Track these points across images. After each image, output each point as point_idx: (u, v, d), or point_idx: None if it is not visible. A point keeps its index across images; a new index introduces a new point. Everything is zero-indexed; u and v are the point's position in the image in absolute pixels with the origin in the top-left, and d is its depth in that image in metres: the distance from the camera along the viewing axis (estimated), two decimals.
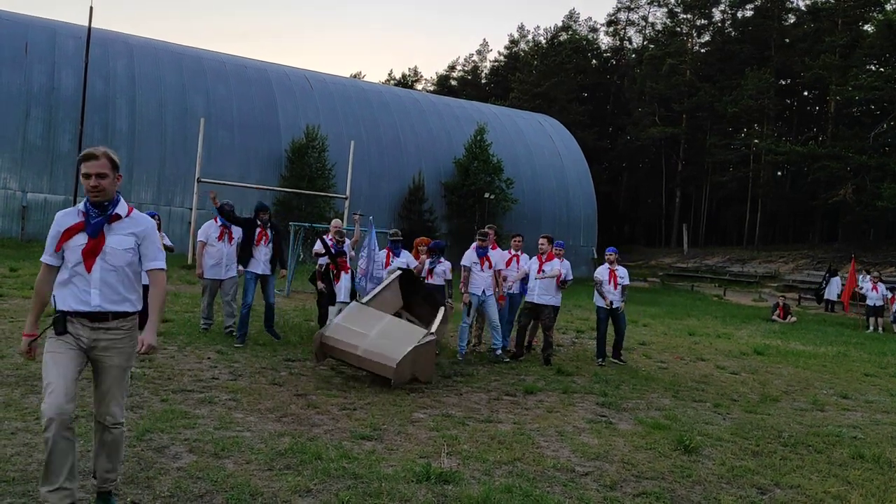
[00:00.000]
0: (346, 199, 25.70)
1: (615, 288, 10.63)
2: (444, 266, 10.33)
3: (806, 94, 55.41)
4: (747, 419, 7.45)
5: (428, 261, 10.37)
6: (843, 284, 25.45)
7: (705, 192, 54.05)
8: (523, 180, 38.24)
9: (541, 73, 56.85)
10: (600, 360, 10.53)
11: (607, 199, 55.09)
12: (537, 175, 39.89)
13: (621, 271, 10.86)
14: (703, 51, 56.71)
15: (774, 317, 21.26)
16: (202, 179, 23.40)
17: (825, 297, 27.12)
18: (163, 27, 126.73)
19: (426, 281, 10.26)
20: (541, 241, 10.47)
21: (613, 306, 10.61)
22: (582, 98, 60.64)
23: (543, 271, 10.18)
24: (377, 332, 7.94)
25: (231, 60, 35.29)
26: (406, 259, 10.39)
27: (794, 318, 21.21)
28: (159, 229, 9.25)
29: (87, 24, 25.55)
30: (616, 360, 10.69)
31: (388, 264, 10.29)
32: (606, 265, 10.87)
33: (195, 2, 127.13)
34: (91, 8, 25.12)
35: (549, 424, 6.59)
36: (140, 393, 6.53)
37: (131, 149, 30.13)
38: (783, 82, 53.81)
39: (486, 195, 34.58)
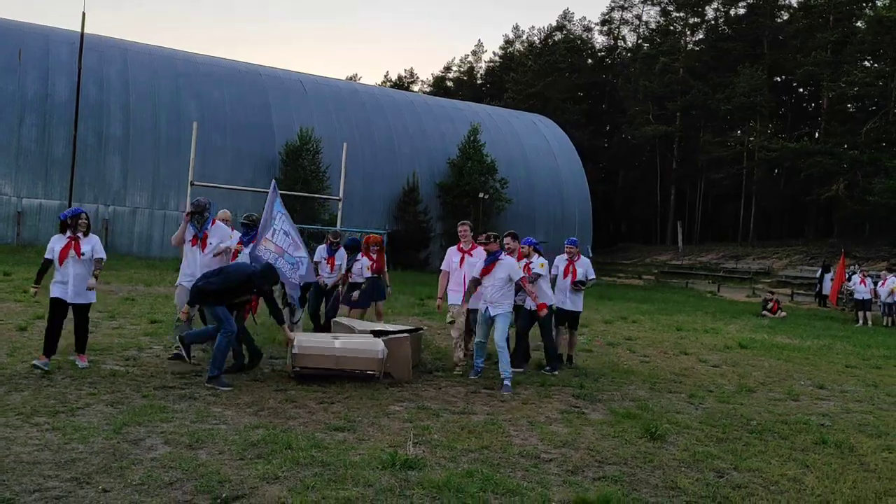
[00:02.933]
0: (339, 200, 25.83)
1: (572, 282, 9.63)
2: (363, 263, 10.26)
3: (801, 90, 55.61)
4: (719, 409, 7.61)
5: (346, 259, 10.28)
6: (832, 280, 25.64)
7: (700, 190, 54.22)
8: (517, 180, 38.41)
9: (535, 72, 57.02)
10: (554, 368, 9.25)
11: (603, 197, 55.26)
12: (531, 174, 40.06)
13: (583, 262, 9.86)
14: (696, 49, 56.88)
15: (765, 312, 21.42)
16: (196, 183, 23.39)
17: (822, 292, 27.36)
18: (156, 32, 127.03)
19: (347, 280, 10.32)
20: (505, 239, 9.30)
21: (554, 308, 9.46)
22: (577, 97, 60.80)
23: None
24: (344, 339, 8.00)
25: (224, 64, 35.47)
26: (361, 265, 10.33)
27: (783, 314, 21.37)
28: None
29: (80, 29, 25.73)
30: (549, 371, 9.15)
31: (332, 268, 10.35)
32: (564, 257, 9.86)
33: (190, 7, 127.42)
34: (84, 14, 25.33)
35: (522, 415, 6.74)
36: (122, 389, 6.69)
37: (125, 153, 30.33)
38: (777, 79, 54.00)
39: (481, 195, 34.76)
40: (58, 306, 7.41)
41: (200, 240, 8.40)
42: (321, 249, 10.59)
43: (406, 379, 7.98)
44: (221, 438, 5.34)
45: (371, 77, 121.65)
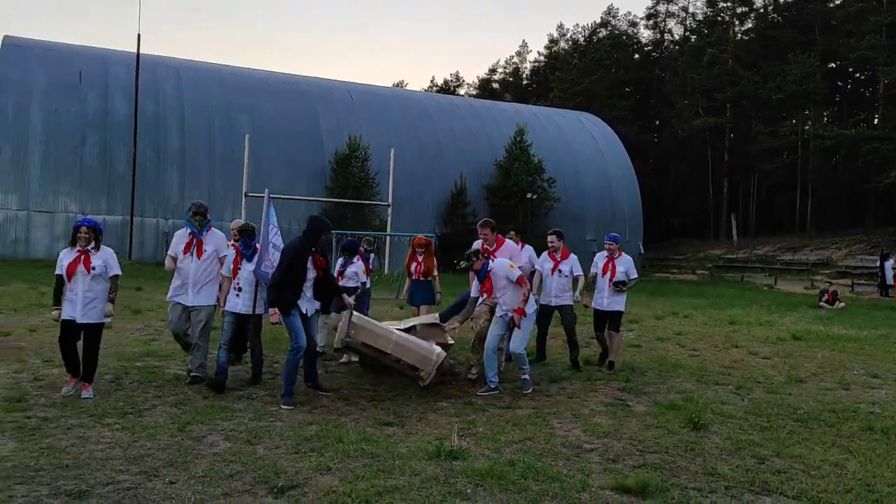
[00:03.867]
0: (388, 206, 26.34)
1: (609, 283, 9.10)
2: (357, 267, 9.55)
3: (856, 75, 54.07)
4: (766, 399, 7.63)
5: (339, 261, 9.70)
6: (894, 268, 24.96)
7: (753, 181, 53.16)
8: (565, 179, 38.35)
9: (580, 70, 56.75)
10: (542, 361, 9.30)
11: (653, 192, 54.59)
12: (579, 173, 39.95)
13: (624, 261, 9.32)
14: (745, 38, 55.81)
15: (822, 303, 21.00)
16: (249, 193, 24.26)
17: (885, 282, 26.63)
18: (207, 48, 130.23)
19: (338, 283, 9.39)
20: (550, 237, 9.38)
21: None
22: (623, 93, 60.23)
23: (560, 271, 9.14)
24: (403, 333, 7.77)
25: (274, 77, 36.37)
26: (356, 269, 9.57)
27: (842, 304, 20.91)
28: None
29: (135, 50, 26.77)
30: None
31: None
32: (604, 254, 9.38)
33: (237, 22, 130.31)
34: (139, 35, 26.41)
35: (566, 408, 6.90)
36: (185, 391, 7.08)
37: (182, 167, 31.37)
38: (831, 65, 52.62)
39: (529, 195, 34.82)
40: (68, 328, 6.74)
41: (196, 245, 7.49)
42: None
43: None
44: (277, 434, 5.65)
45: (417, 83, 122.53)
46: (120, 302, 10.79)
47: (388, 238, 26.10)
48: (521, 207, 34.97)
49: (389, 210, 26.14)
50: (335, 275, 9.26)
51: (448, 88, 78.37)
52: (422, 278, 10.19)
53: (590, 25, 67.86)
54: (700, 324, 15.49)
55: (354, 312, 7.55)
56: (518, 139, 36.61)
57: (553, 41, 72.87)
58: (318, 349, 8.05)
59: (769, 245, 44.99)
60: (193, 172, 31.41)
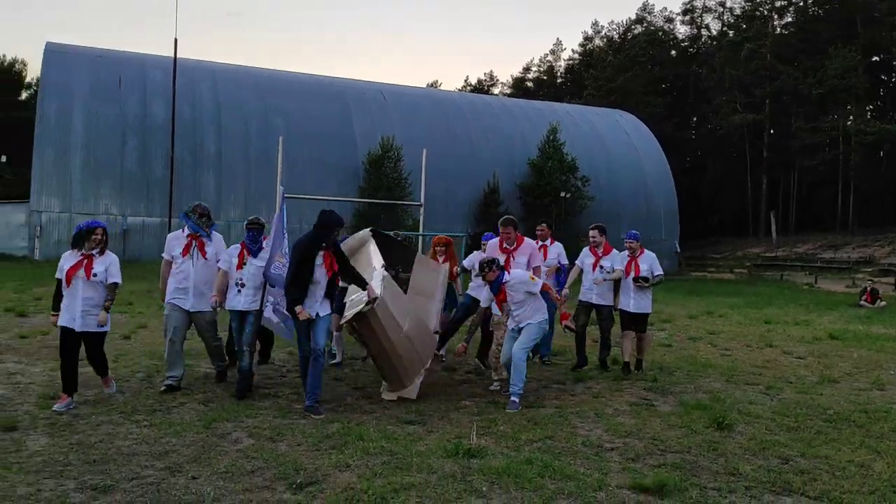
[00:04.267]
0: (420, 206, 26.39)
1: (633, 281, 8.74)
2: None
3: None
4: (795, 399, 7.50)
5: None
6: None
7: (794, 178, 52.15)
8: (599, 177, 38.09)
9: (615, 67, 56.28)
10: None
11: (690, 190, 53.85)
12: (614, 171, 39.64)
13: (647, 258, 8.91)
14: (784, 32, 54.77)
15: (862, 302, 20.54)
16: (284, 194, 24.55)
17: None
18: (242, 51, 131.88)
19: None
20: (538, 228, 9.35)
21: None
22: (659, 90, 59.56)
23: (601, 267, 8.77)
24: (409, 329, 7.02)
25: (308, 79, 36.75)
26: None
27: (883, 303, 20.42)
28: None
29: (172, 55, 27.27)
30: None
31: None
32: (626, 254, 8.95)
33: (270, 25, 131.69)
34: (175, 40, 26.88)
35: (589, 408, 6.86)
36: (213, 389, 7.22)
37: (219, 169, 31.87)
38: (875, 59, 51.38)
39: (562, 194, 34.66)
40: (67, 337, 6.35)
41: (198, 247, 7.21)
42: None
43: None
44: (300, 432, 5.74)
45: (451, 83, 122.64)
46: (157, 300, 11.03)
47: (420, 238, 26.16)
48: (554, 206, 34.80)
49: (421, 210, 26.17)
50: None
51: (482, 88, 78.26)
52: None
53: (625, 22, 67.27)
54: (735, 323, 15.27)
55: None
56: (551, 138, 36.48)
57: (588, 38, 72.32)
58: (332, 359, 7.77)
59: (810, 243, 44.11)
60: (229, 174, 31.89)
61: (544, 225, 9.52)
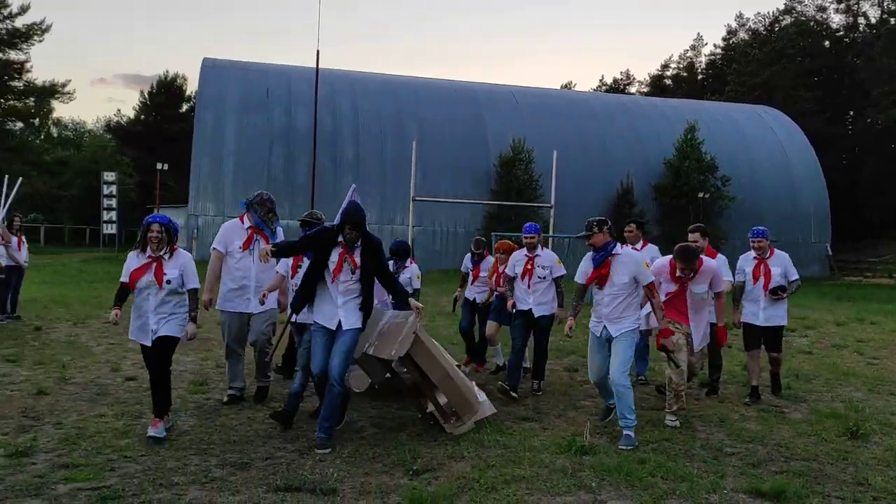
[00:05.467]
0: (551, 207, 26.34)
1: (764, 290, 7.24)
2: (411, 272, 8.07)
3: None
4: None
5: (390, 265, 7.51)
6: None
7: None
8: (741, 176, 36.40)
9: (759, 61, 53.52)
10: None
11: (844, 189, 50.27)
12: (756, 170, 37.76)
13: (779, 260, 7.36)
14: None
15: None
16: (416, 198, 25.24)
17: None
18: (379, 59, 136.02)
19: None
20: (626, 228, 8.32)
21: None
22: (809, 84, 56.03)
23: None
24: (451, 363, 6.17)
25: (441, 84, 37.53)
26: (410, 274, 8.09)
27: None
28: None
29: (315, 65, 28.74)
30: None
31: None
32: (752, 255, 7.43)
33: (405, 32, 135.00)
34: (318, 52, 28.29)
35: (714, 413, 6.71)
36: None
37: (356, 175, 33.14)
38: None
39: (700, 195, 33.44)
40: (146, 354, 5.57)
41: (261, 242, 6.46)
42: (466, 260, 8.92)
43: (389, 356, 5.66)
44: (420, 423, 6.00)
45: (585, 83, 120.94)
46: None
47: (550, 240, 26.09)
48: (691, 207, 33.62)
49: (552, 211, 26.16)
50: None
51: (618, 87, 76.67)
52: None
53: (772, 13, 63.80)
54: (888, 331, 14.22)
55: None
56: (689, 136, 35.26)
57: (731, 32, 69.15)
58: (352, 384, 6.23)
59: None
60: (366, 179, 33.09)
61: (633, 225, 8.36)
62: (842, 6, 60.22)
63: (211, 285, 6.51)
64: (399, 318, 5.85)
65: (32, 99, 44.54)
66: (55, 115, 55.55)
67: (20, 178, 12.80)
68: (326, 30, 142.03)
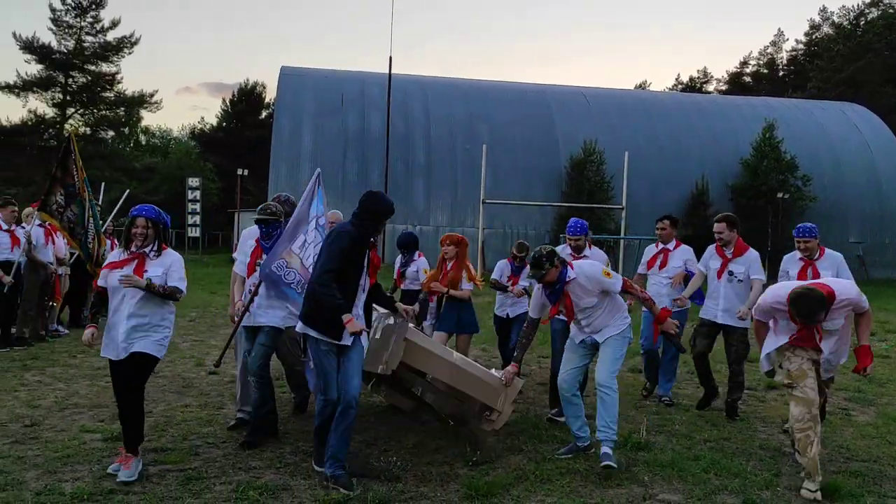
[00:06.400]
0: (622, 209, 26.15)
1: None
2: (419, 265, 7.68)
3: None
4: None
5: (398, 259, 7.88)
6: None
7: None
8: (823, 176, 35.21)
9: (844, 56, 51.59)
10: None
11: None
12: (840, 169, 36.46)
13: (830, 261, 6.18)
14: None
15: None
16: (487, 201, 25.49)
17: None
18: (449, 61, 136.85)
19: (398, 287, 7.80)
20: (658, 225, 7.48)
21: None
22: None
23: (730, 273, 6.54)
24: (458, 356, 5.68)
25: (511, 87, 37.70)
26: (418, 267, 7.72)
27: None
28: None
29: (387, 71, 29.37)
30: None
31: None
32: (797, 256, 6.32)
33: (475, 36, 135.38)
34: (390, 58, 28.89)
35: (777, 414, 6.71)
36: None
37: (428, 178, 33.69)
38: None
39: (779, 195, 32.53)
40: (114, 373, 4.64)
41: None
42: (502, 266, 7.55)
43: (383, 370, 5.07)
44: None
45: (661, 83, 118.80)
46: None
47: (621, 242, 25.97)
48: (770, 207, 32.74)
49: (623, 213, 25.97)
50: (395, 275, 7.89)
51: (694, 86, 75.02)
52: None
53: (857, 7, 61.36)
54: None
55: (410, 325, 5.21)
56: (767, 135, 34.32)
57: (814, 27, 66.82)
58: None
59: None
60: (437, 182, 33.56)
61: (666, 221, 7.44)
62: None
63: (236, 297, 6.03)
64: (386, 324, 5.33)
65: (122, 109, 46.99)
66: (143, 123, 58.48)
67: (127, 190, 13.57)
68: (399, 33, 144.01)
